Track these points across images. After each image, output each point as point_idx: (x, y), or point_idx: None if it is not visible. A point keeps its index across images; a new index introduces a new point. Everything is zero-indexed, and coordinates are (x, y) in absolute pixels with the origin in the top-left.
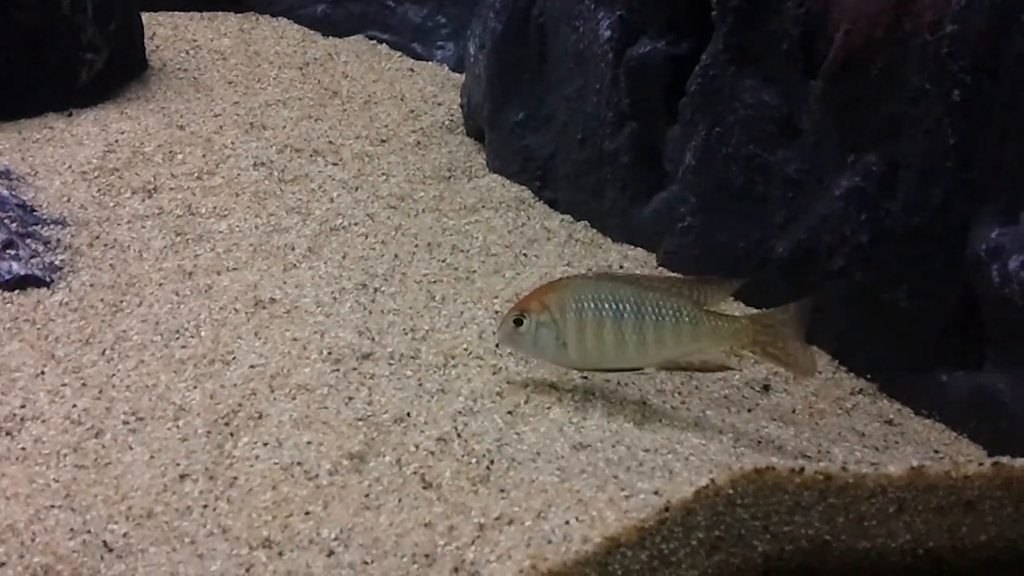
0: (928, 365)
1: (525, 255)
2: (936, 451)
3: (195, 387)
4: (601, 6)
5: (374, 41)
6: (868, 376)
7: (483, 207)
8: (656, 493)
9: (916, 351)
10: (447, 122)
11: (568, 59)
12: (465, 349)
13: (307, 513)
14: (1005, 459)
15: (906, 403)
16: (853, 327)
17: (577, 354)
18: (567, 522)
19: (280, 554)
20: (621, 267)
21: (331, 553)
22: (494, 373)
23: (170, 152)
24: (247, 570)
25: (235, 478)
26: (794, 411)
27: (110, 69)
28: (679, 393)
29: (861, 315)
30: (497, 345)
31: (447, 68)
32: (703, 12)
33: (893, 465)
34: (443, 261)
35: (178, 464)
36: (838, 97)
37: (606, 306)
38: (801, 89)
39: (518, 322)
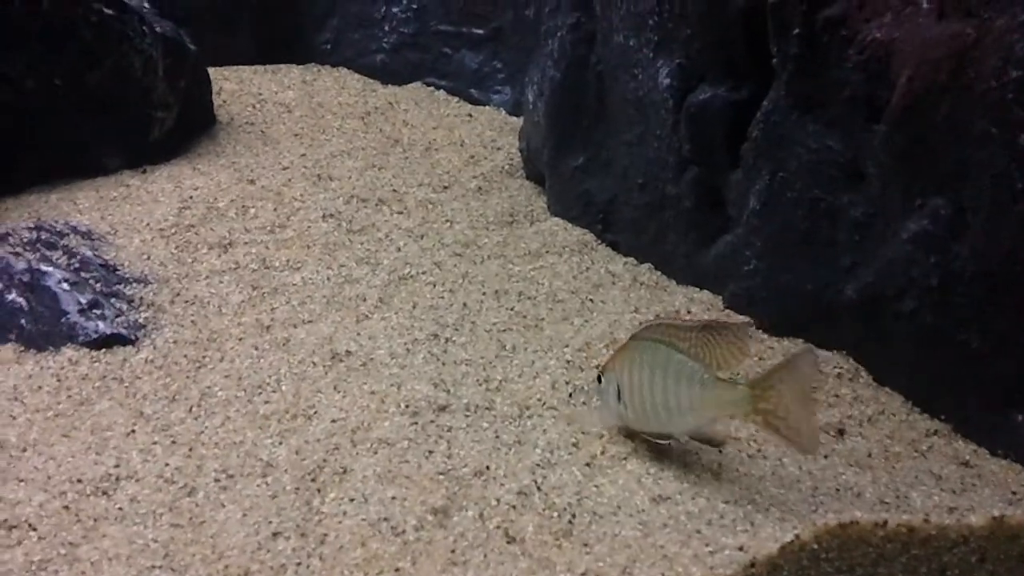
0: (1004, 405)
1: (591, 300)
2: (1014, 492)
3: (280, 443)
4: (660, 54)
5: (432, 88)
6: (943, 417)
7: (547, 252)
8: (741, 549)
9: (990, 391)
10: (507, 166)
11: (627, 105)
12: (539, 399)
13: (397, 570)
14: None
15: (982, 444)
16: (926, 368)
17: (631, 414)
18: None
19: None
20: (689, 311)
21: None
22: (569, 424)
23: (243, 207)
24: None
25: (325, 535)
26: (870, 455)
27: (180, 125)
28: (754, 441)
29: (933, 356)
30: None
31: (504, 112)
32: (762, 58)
33: (974, 515)
34: (511, 309)
35: (270, 522)
36: (902, 142)
37: (645, 369)
38: (865, 134)
39: (598, 379)
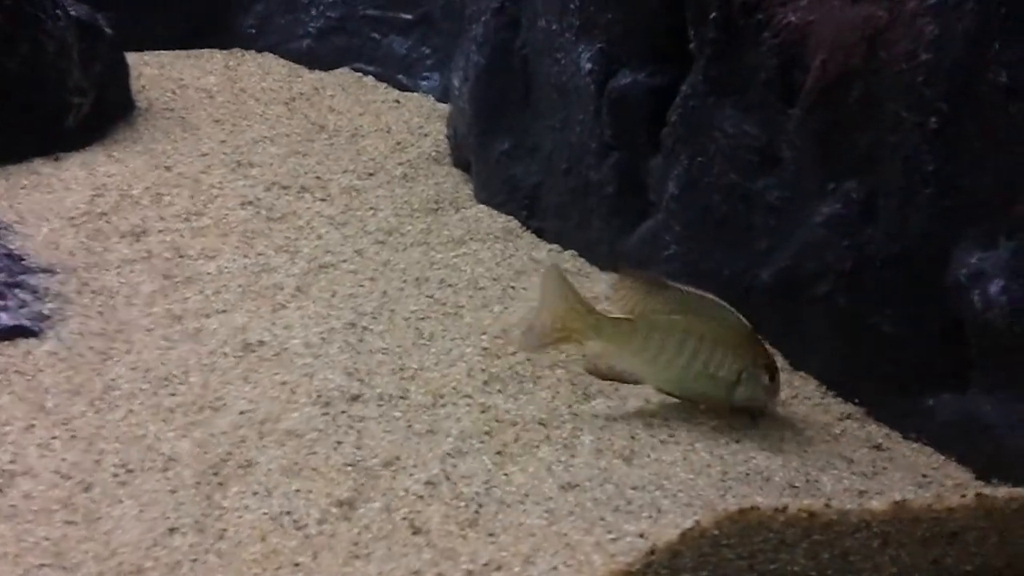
0: (915, 389)
1: (512, 287)
2: (924, 476)
3: (184, 436)
4: (582, 39)
5: (359, 73)
6: (856, 401)
7: (471, 239)
8: (642, 535)
9: (903, 375)
10: (434, 153)
11: (551, 90)
12: (454, 388)
13: (296, 565)
14: (988, 489)
15: (894, 427)
16: (840, 352)
17: None
18: (555, 568)
19: None
20: (608, 298)
21: None
22: (483, 411)
23: (158, 194)
24: None
25: (224, 530)
26: (782, 439)
27: (97, 111)
28: (668, 426)
29: (847, 340)
30: None
31: (433, 99)
32: (683, 43)
33: (876, 499)
34: (431, 297)
35: (167, 517)
36: (816, 126)
37: None
38: (780, 118)
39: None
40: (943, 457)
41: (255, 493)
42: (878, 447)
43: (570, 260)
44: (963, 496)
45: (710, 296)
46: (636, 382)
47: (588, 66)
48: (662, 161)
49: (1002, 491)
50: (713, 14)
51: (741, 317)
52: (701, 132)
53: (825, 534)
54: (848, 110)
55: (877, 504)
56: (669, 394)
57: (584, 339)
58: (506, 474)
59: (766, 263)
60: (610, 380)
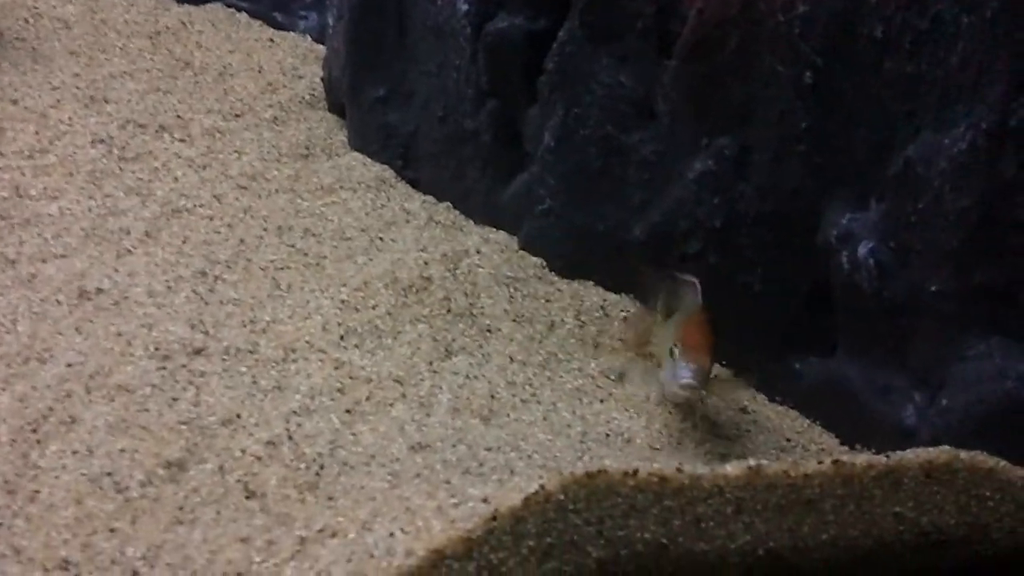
0: (782, 351)
1: (381, 239)
2: (788, 440)
3: (4, 389)
4: None
5: (232, 9)
6: (724, 362)
7: (341, 187)
8: (485, 500)
9: (770, 337)
10: (308, 96)
11: (428, 33)
12: (307, 342)
13: (112, 530)
14: (846, 456)
15: (760, 390)
16: (710, 311)
17: None
18: (392, 534)
19: None
20: (479, 251)
21: (135, 574)
22: (336, 367)
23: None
24: None
25: (37, 492)
26: (648, 400)
27: None
28: (531, 385)
29: (717, 299)
30: None
31: (310, 39)
32: None
33: (731, 464)
34: (292, 246)
35: None
36: (691, 78)
37: None
38: (656, 70)
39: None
40: (808, 421)
41: (75, 452)
42: (743, 410)
43: (444, 212)
44: (820, 463)
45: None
46: None
47: (464, 7)
48: (538, 111)
49: (861, 458)
50: None
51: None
52: (577, 81)
53: (677, 500)
54: (724, 62)
55: (731, 469)
56: None
57: None
58: (354, 434)
59: (639, 219)
60: None
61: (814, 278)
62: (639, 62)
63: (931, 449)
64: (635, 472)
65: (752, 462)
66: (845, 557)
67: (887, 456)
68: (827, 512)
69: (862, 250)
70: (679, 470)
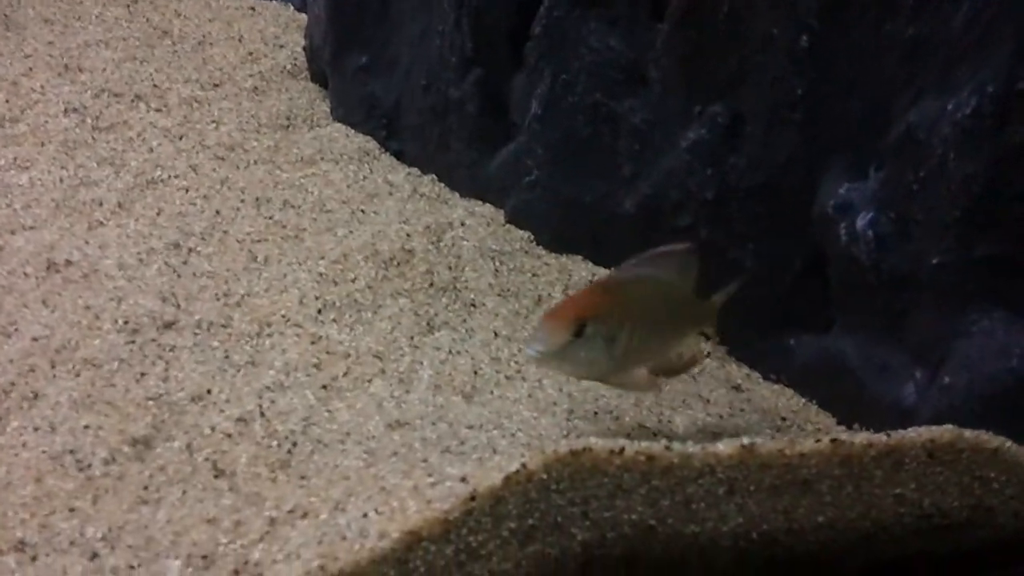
0: (776, 328)
1: (362, 211)
2: (784, 419)
3: None
4: None
5: None
6: (717, 339)
7: (322, 159)
8: (464, 480)
9: (764, 313)
10: (289, 66)
11: None
12: (283, 316)
13: (72, 510)
14: (844, 435)
15: (754, 367)
16: (701, 287)
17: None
18: (365, 514)
19: (33, 559)
20: (464, 224)
21: (94, 556)
22: (313, 342)
23: None
24: None
25: None
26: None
27: None
28: (516, 361)
29: (709, 275)
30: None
31: (292, 8)
32: None
33: (723, 443)
34: (270, 218)
35: None
36: (684, 43)
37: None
38: (648, 34)
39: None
40: (804, 400)
41: (37, 428)
42: (737, 387)
43: (428, 185)
44: (817, 441)
45: None
46: None
47: None
48: (525, 78)
49: (860, 437)
50: None
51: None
52: (566, 47)
53: (665, 479)
54: (717, 26)
55: (723, 448)
56: None
57: None
58: (329, 411)
59: (629, 190)
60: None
61: (809, 251)
62: (630, 26)
63: (934, 428)
64: (621, 450)
65: (746, 440)
66: (843, 540)
67: (887, 435)
68: (824, 493)
69: (860, 221)
70: (667, 448)
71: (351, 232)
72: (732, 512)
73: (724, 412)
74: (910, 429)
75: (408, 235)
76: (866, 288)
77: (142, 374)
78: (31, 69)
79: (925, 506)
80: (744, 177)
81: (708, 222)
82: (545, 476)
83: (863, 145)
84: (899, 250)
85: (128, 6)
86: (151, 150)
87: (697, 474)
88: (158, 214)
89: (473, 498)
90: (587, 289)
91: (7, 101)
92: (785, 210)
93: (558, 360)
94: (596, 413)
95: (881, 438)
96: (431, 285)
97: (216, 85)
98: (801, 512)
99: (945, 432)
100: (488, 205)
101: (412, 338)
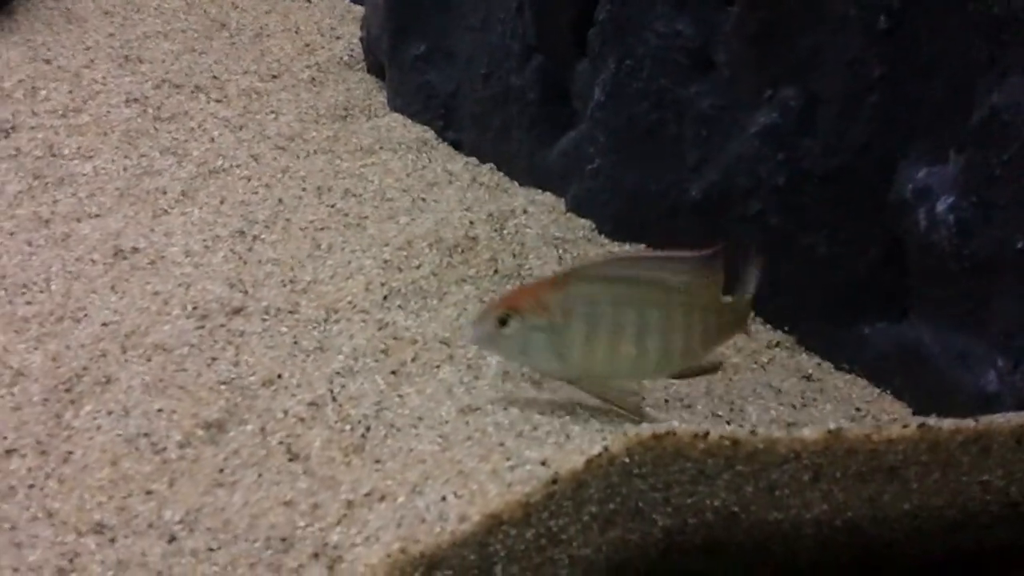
0: (849, 316)
1: (423, 199)
2: (858, 409)
3: (37, 348)
4: None
5: None
6: (786, 328)
7: (381, 148)
8: (544, 463)
9: (836, 301)
10: (346, 57)
11: None
12: (349, 302)
13: (149, 493)
14: (932, 420)
15: (826, 357)
16: (769, 275)
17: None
18: (444, 498)
19: (112, 541)
20: (526, 212)
21: (172, 539)
22: (380, 328)
23: (32, 88)
24: (71, 560)
25: (71, 452)
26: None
27: None
28: None
29: (778, 262)
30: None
31: None
32: None
33: (808, 428)
34: (332, 206)
35: (5, 437)
36: (755, 25)
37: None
38: (716, 17)
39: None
40: (878, 390)
41: (111, 412)
42: (808, 377)
43: (487, 174)
44: (905, 427)
45: None
46: None
47: None
48: (588, 65)
49: (947, 422)
50: None
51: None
52: (630, 32)
53: (750, 465)
54: (790, 8)
55: (809, 433)
56: None
57: None
58: (400, 396)
59: (695, 178)
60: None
61: (885, 237)
62: (698, 9)
63: (1022, 413)
64: (706, 434)
65: (832, 425)
66: (927, 528)
67: (975, 420)
68: (910, 480)
69: (941, 206)
70: (753, 433)
71: (413, 220)
72: (817, 499)
73: (796, 402)
74: (998, 415)
75: (471, 223)
76: (946, 275)
77: (213, 359)
78: (92, 60)
79: (1012, 494)
80: (818, 162)
81: (779, 209)
82: (627, 460)
83: (943, 128)
84: (981, 235)
85: None
86: (212, 140)
87: (782, 460)
88: (221, 202)
89: (555, 481)
90: (540, 280)
91: (70, 92)
92: (860, 195)
93: (489, 346)
94: (667, 401)
95: (969, 423)
96: (496, 272)
97: (274, 76)
98: (886, 499)
99: None
100: (548, 193)
101: None
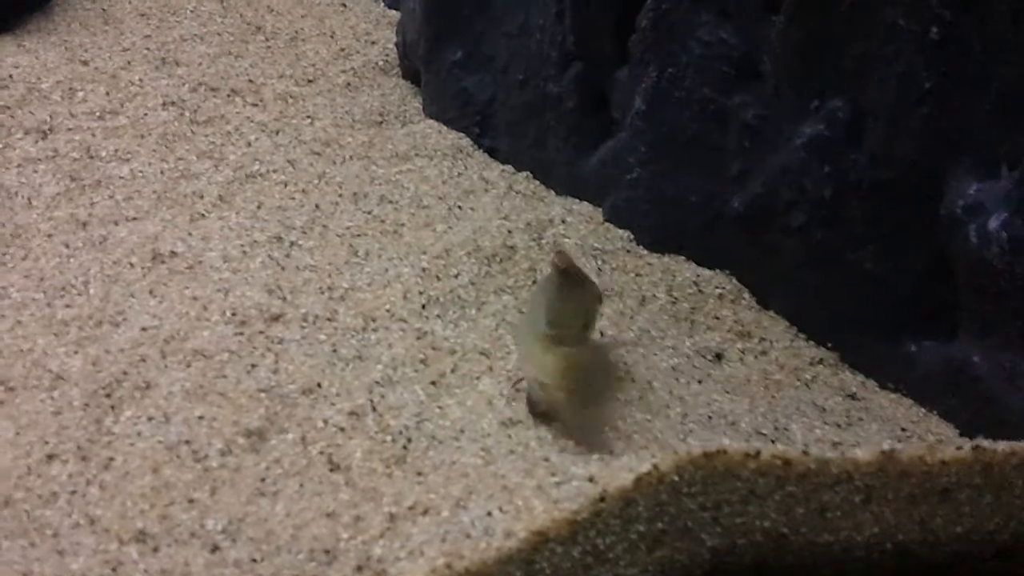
0: (895, 334)
1: (459, 207)
2: (903, 429)
3: (76, 352)
4: None
5: None
6: (829, 345)
7: (416, 155)
8: (591, 480)
9: (882, 318)
10: (381, 62)
11: None
12: (388, 310)
13: (191, 501)
14: (986, 442)
15: (871, 375)
16: (813, 291)
17: None
18: (489, 513)
19: (155, 550)
20: (564, 221)
21: (215, 549)
22: (419, 338)
23: (70, 89)
24: (113, 569)
25: (111, 459)
26: (748, 383)
27: (12, 1)
28: (624, 363)
29: (822, 278)
30: None
31: (383, 4)
32: None
33: (861, 449)
34: (369, 213)
35: (47, 442)
36: (801, 35)
37: None
38: (762, 26)
39: None
40: (924, 410)
41: (151, 419)
42: (852, 396)
43: (524, 182)
44: (959, 448)
45: None
46: None
47: None
48: (629, 73)
49: (1002, 445)
50: None
51: None
52: (674, 40)
53: (801, 486)
54: (838, 18)
55: (862, 454)
56: None
57: None
58: (440, 407)
59: (738, 189)
60: None
61: (934, 253)
62: (743, 17)
63: None
64: (757, 453)
65: (886, 446)
66: (978, 553)
67: None
68: (962, 503)
69: (993, 223)
70: (805, 453)
71: (450, 228)
72: (868, 521)
73: (841, 421)
74: None
75: (509, 231)
76: (998, 292)
77: (252, 366)
78: (129, 63)
79: None
80: (865, 175)
81: (824, 222)
82: (677, 478)
83: (995, 142)
84: None
85: (222, 1)
86: (249, 144)
87: (834, 481)
88: (259, 207)
89: (603, 499)
90: None
91: (107, 94)
92: (908, 210)
93: None
94: (711, 418)
95: (1023, 446)
96: (534, 282)
97: (310, 81)
98: (938, 522)
99: None
100: (585, 203)
101: None
